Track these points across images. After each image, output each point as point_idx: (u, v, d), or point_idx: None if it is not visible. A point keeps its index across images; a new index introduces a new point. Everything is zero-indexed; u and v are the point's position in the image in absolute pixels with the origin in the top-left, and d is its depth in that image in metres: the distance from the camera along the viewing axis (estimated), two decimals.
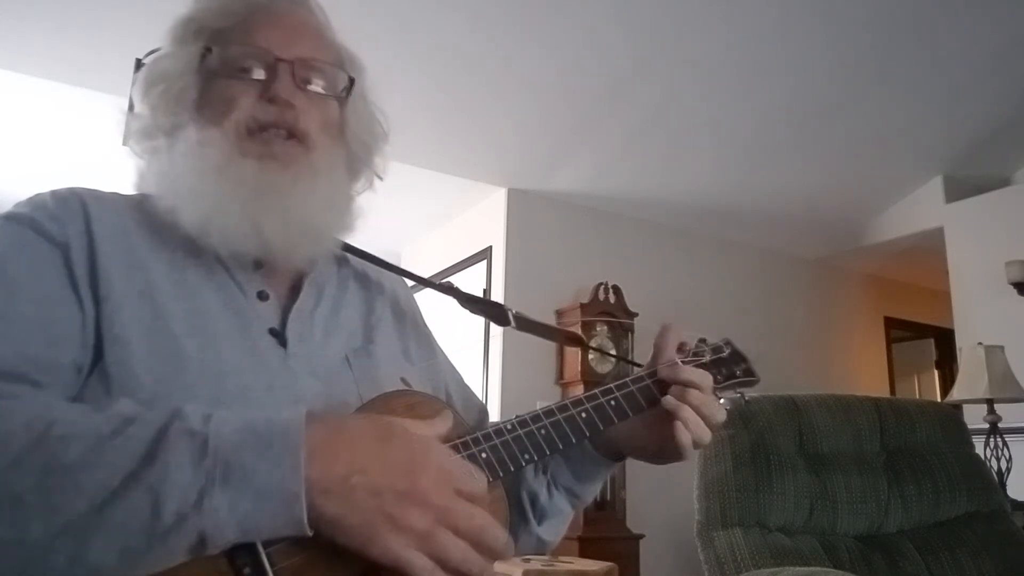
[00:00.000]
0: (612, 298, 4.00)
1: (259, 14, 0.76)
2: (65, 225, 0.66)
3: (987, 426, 3.27)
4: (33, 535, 0.49)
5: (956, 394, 3.36)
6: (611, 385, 0.79)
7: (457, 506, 0.58)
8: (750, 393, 0.92)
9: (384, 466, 0.57)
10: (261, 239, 0.70)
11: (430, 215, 4.50)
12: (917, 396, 5.79)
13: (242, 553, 0.54)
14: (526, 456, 0.70)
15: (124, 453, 0.52)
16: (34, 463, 0.50)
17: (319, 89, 0.76)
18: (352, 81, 0.79)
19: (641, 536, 3.63)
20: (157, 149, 0.74)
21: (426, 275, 0.98)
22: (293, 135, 0.73)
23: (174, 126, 0.73)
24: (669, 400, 0.77)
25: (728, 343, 0.91)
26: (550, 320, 3.93)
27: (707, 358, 0.87)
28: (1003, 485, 3.15)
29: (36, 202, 0.68)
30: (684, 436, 0.75)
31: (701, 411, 0.76)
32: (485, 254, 4.15)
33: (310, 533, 0.54)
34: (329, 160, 0.76)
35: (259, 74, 0.73)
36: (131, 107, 0.77)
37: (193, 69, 0.74)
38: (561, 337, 1.02)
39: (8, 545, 0.49)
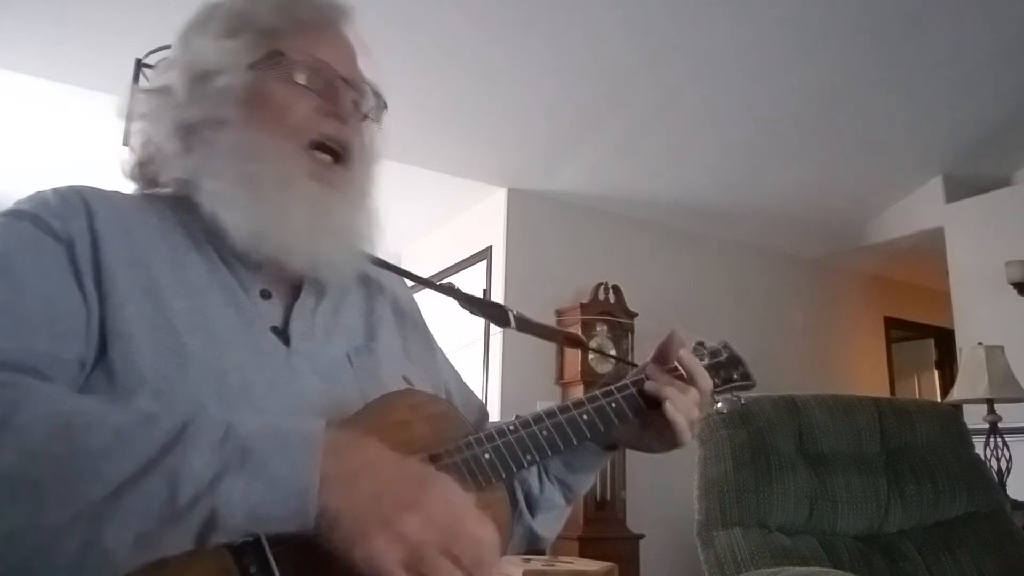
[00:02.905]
0: (612, 298, 4.01)
1: (318, 26, 0.77)
2: (68, 222, 0.66)
3: (987, 426, 3.27)
4: (48, 520, 0.49)
5: (956, 394, 3.36)
6: (611, 387, 0.80)
7: (459, 529, 0.55)
8: (748, 394, 0.93)
9: (396, 473, 0.57)
10: (313, 258, 0.72)
11: (430, 215, 4.50)
12: (917, 396, 5.79)
13: (248, 552, 0.54)
14: (528, 457, 0.71)
15: (147, 442, 0.52)
16: (55, 451, 0.51)
17: (365, 111, 0.80)
18: (386, 106, 0.82)
19: (641, 536, 3.63)
20: (190, 145, 0.73)
21: (426, 275, 0.98)
22: (341, 155, 0.76)
23: (219, 121, 0.72)
24: (651, 385, 0.79)
25: (726, 346, 0.93)
26: (550, 320, 3.94)
27: (705, 361, 0.88)
28: (1003, 485, 3.15)
29: (39, 199, 0.68)
30: (675, 415, 0.78)
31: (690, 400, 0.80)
32: (485, 254, 4.15)
33: (312, 527, 0.53)
34: (366, 181, 0.80)
35: (316, 86, 0.75)
36: (132, 98, 0.77)
37: (243, 65, 0.74)
38: (561, 338, 1.02)
39: (23, 531, 0.49)
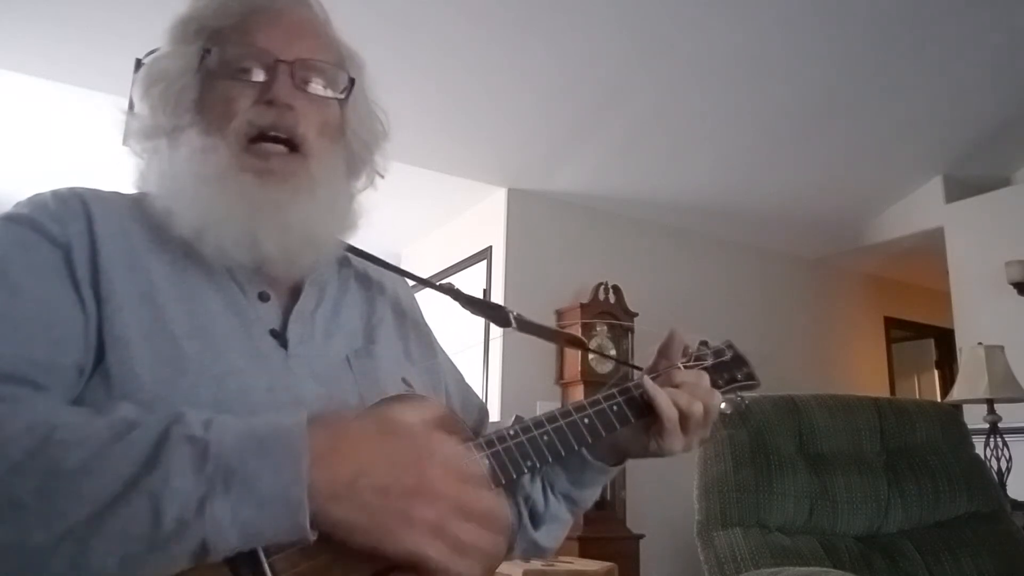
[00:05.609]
0: (612, 298, 4.00)
1: (259, 13, 0.75)
2: (66, 226, 0.65)
3: (987, 426, 3.27)
4: (34, 540, 0.48)
5: (956, 394, 3.36)
6: (613, 390, 0.79)
7: (465, 493, 0.58)
8: (750, 394, 0.92)
9: (389, 464, 0.56)
10: (258, 252, 0.70)
11: (430, 215, 4.50)
12: (917, 396, 5.79)
13: (245, 562, 0.53)
14: (528, 463, 0.70)
15: (125, 459, 0.51)
16: (35, 468, 0.50)
17: (319, 90, 0.75)
18: (352, 81, 0.79)
19: (641, 536, 3.62)
20: (157, 149, 0.73)
21: (426, 275, 0.98)
22: (291, 141, 0.72)
23: (175, 127, 0.72)
24: (648, 392, 0.78)
25: (730, 346, 0.92)
26: (550, 320, 3.93)
27: (709, 362, 0.87)
28: (1003, 485, 3.15)
29: (37, 202, 0.67)
30: (661, 402, 0.77)
31: (695, 408, 0.78)
32: (485, 254, 4.15)
33: (312, 538, 0.53)
34: (328, 165, 0.75)
35: (258, 75, 0.72)
36: (131, 106, 0.77)
37: (192, 69, 0.74)
38: (562, 339, 1.02)
39: (9, 549, 0.49)
